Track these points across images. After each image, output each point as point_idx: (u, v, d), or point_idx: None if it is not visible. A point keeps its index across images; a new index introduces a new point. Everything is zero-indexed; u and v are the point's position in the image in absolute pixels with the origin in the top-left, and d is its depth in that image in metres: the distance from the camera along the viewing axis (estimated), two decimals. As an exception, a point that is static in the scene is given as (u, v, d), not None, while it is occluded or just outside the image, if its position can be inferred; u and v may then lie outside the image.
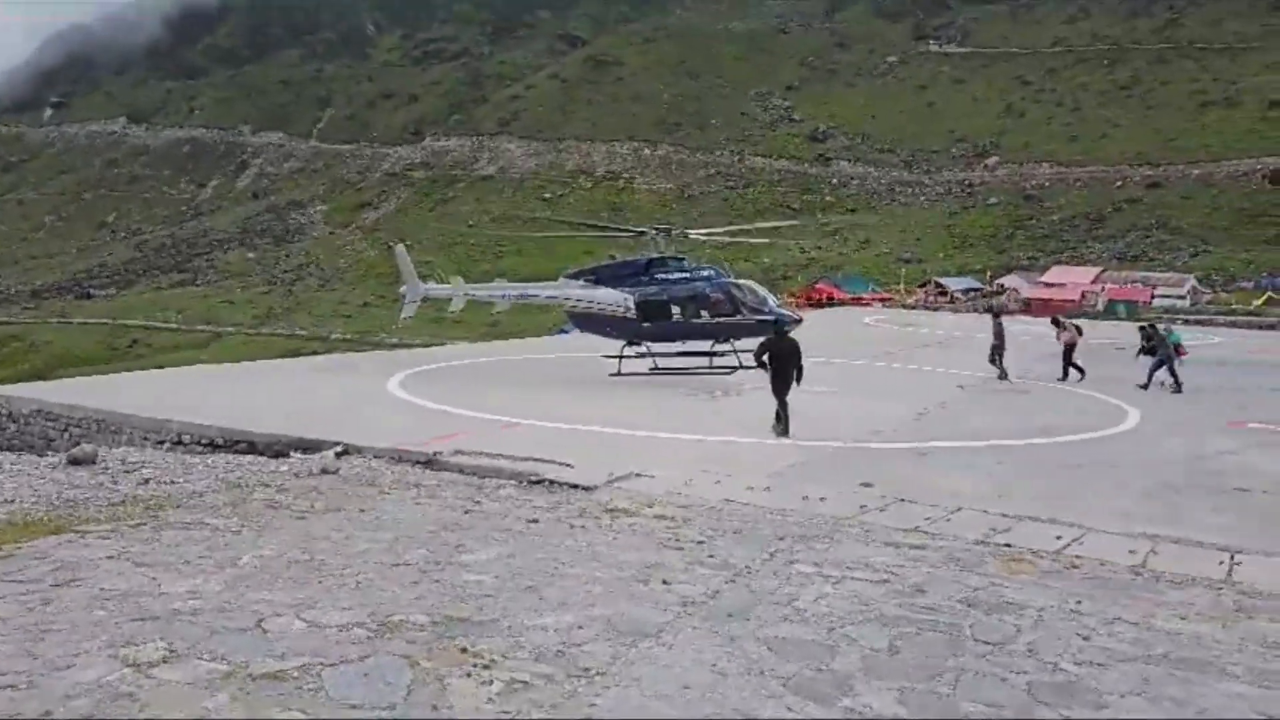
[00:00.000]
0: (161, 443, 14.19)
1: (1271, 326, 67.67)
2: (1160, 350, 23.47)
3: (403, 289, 25.10)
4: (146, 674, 5.17)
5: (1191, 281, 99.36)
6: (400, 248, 26.16)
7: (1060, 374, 24.30)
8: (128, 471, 10.79)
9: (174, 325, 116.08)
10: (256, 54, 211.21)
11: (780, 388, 15.54)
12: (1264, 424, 18.53)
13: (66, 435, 15.45)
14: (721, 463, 12.60)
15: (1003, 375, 23.99)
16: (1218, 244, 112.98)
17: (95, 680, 5.05)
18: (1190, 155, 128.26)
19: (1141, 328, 25.52)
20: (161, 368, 27.57)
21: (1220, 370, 30.05)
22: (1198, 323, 65.13)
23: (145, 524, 8.42)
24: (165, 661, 5.36)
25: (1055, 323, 26.59)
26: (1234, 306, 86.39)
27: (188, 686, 5.05)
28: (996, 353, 24.38)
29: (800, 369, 15.65)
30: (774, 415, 15.54)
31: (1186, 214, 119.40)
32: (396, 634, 6.00)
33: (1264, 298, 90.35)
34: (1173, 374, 23.02)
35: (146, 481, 10.22)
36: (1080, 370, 24.31)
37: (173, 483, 10.23)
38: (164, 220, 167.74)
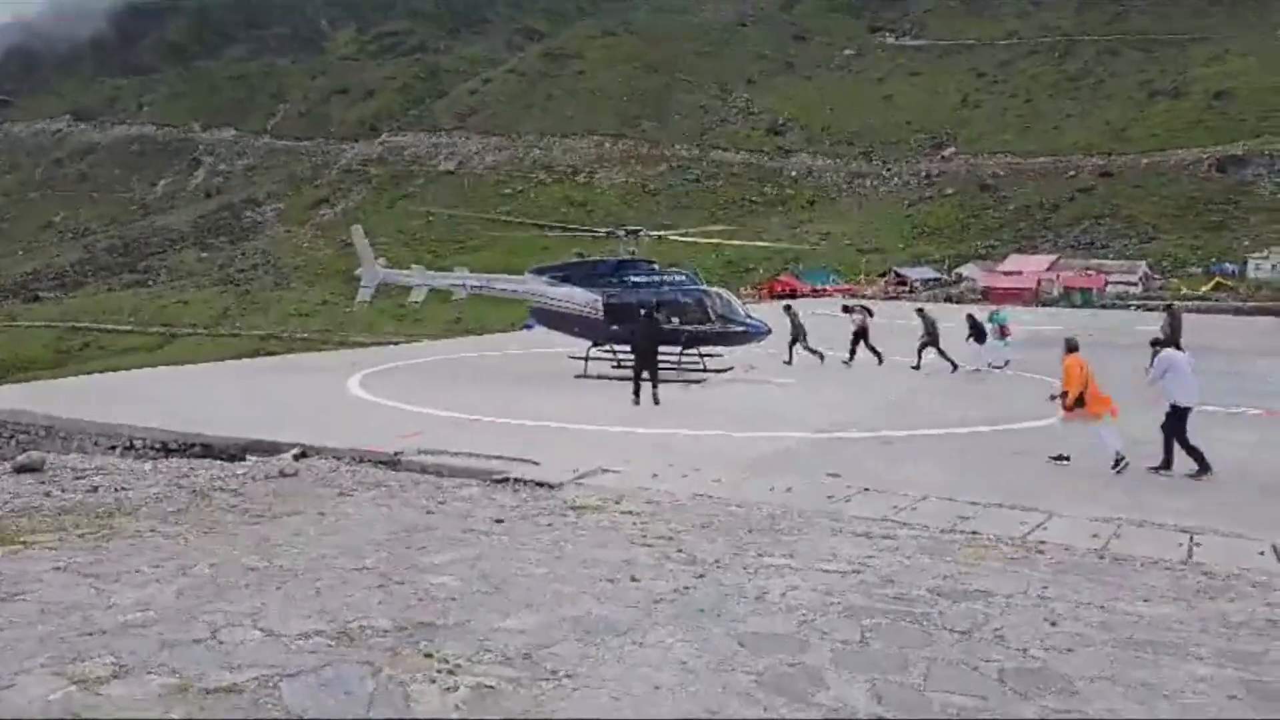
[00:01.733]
0: (113, 448, 13.85)
1: (1221, 311, 69.12)
2: (924, 337, 24.24)
3: (359, 271, 24.58)
4: (94, 691, 4.96)
5: (1143, 268, 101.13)
6: (358, 228, 25.56)
7: (848, 356, 24.72)
8: (77, 478, 10.47)
9: (127, 327, 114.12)
10: (207, 49, 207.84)
11: (641, 365, 18.03)
12: (1217, 408, 18.80)
13: (14, 442, 15.02)
14: (687, 457, 12.52)
15: (815, 353, 24.75)
16: (1167, 231, 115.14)
17: (40, 699, 4.83)
18: (1140, 145, 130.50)
19: (969, 316, 25.76)
20: (114, 371, 26.99)
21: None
22: (1151, 308, 66.26)
23: (94, 533, 8.16)
24: (115, 677, 5.15)
25: (845, 309, 27.11)
26: (1184, 291, 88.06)
27: (138, 703, 4.85)
28: (799, 341, 24.98)
29: (656, 348, 18.52)
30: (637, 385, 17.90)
31: (1137, 202, 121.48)
32: (358, 641, 5.83)
33: (1213, 283, 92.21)
34: (943, 356, 23.81)
35: (96, 489, 9.93)
36: (877, 354, 24.66)
37: (124, 489, 9.94)
38: (114, 220, 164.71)
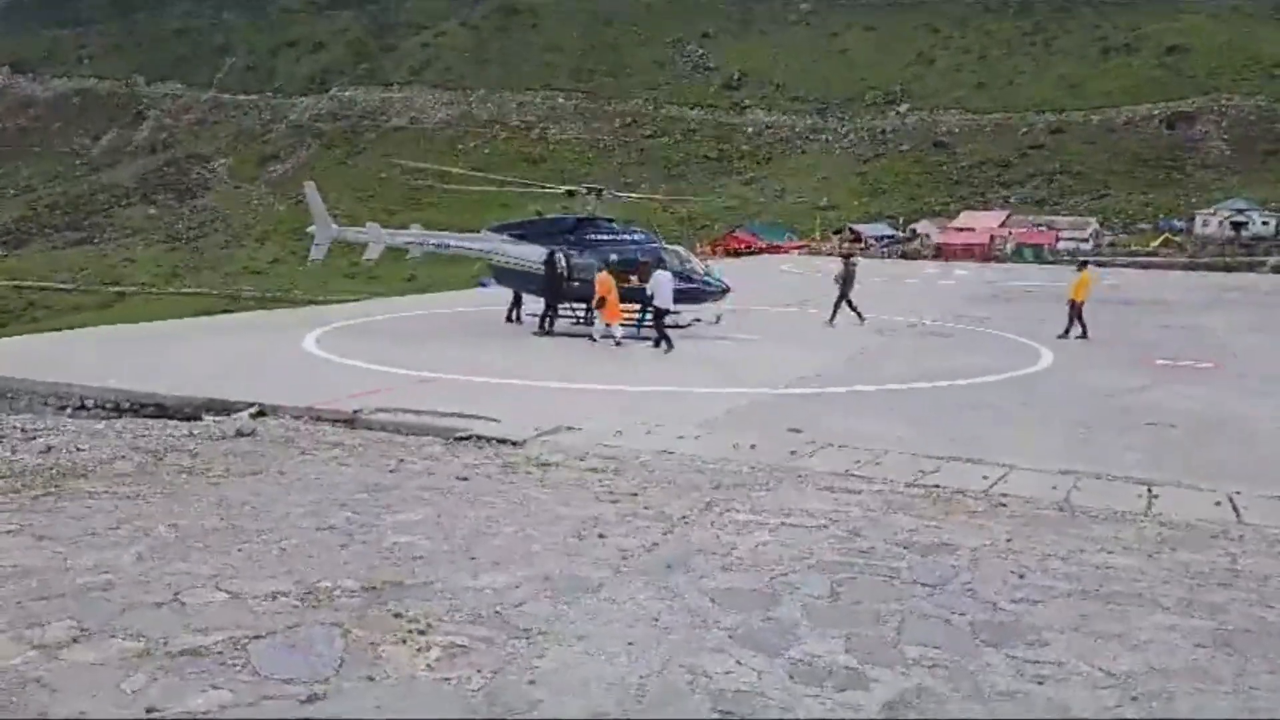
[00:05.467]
0: (64, 408, 13.48)
1: (1169, 267, 70.50)
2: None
3: (312, 229, 24.05)
4: (55, 656, 4.83)
5: (1094, 224, 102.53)
6: (311, 185, 24.93)
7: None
8: (28, 440, 10.18)
9: (72, 286, 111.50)
10: (150, 0, 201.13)
11: (551, 296, 21.08)
12: (1169, 360, 19.17)
13: (-42, 404, 14.56)
14: (649, 414, 12.47)
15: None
16: (1117, 187, 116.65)
17: (-2, 665, 4.69)
18: (1092, 101, 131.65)
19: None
20: (61, 330, 26.29)
21: (1127, 309, 31.09)
22: (1099, 263, 67.34)
23: (48, 495, 7.94)
24: (75, 641, 5.01)
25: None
26: (1134, 248, 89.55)
27: (101, 667, 4.73)
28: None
29: (559, 291, 21.10)
30: (541, 319, 21.19)
31: (1088, 159, 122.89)
32: (325, 602, 5.73)
33: (1161, 239, 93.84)
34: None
35: (48, 450, 9.66)
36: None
37: (77, 450, 9.68)
38: (56, 176, 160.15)
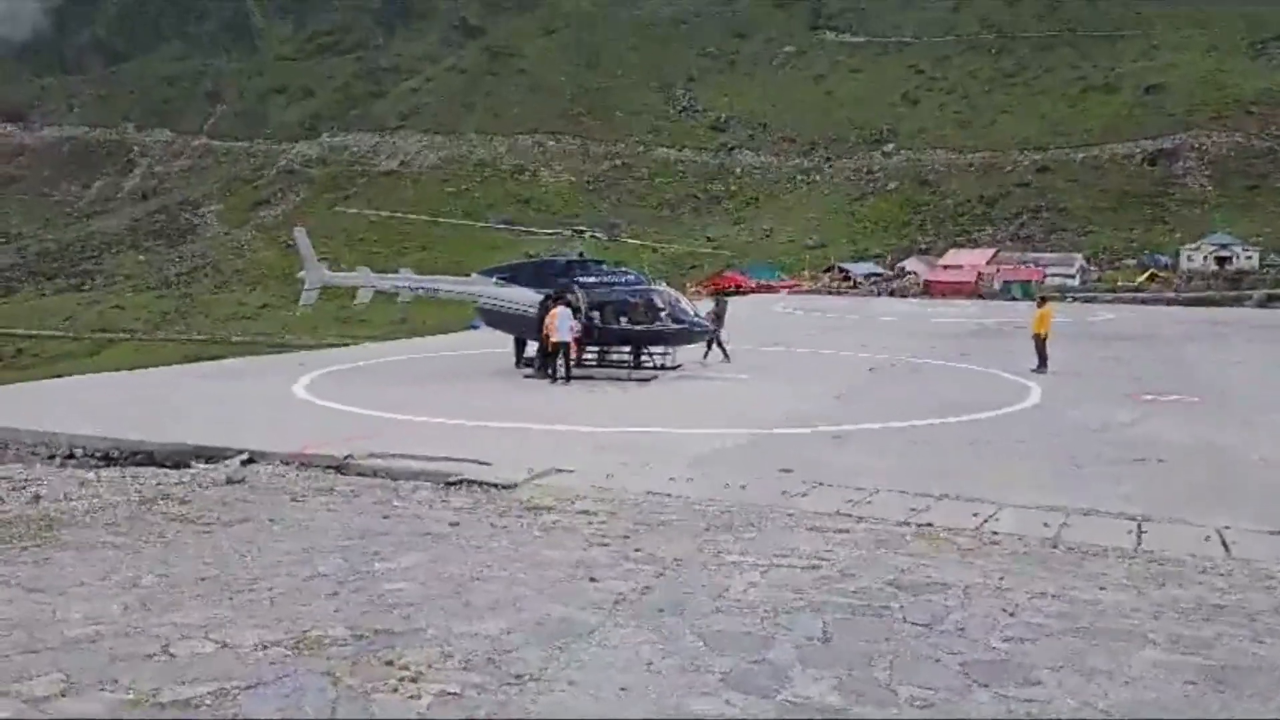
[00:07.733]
0: (52, 457, 13.42)
1: (1155, 302, 71.07)
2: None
3: (302, 274, 24.17)
4: (42, 710, 4.80)
5: (1080, 260, 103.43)
6: (300, 231, 25.11)
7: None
8: (15, 489, 10.14)
9: (61, 333, 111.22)
10: (139, 47, 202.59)
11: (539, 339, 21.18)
12: (1155, 395, 19.27)
13: (-54, 454, 14.47)
14: (640, 455, 12.48)
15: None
16: (1102, 224, 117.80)
17: (-14, 720, 4.66)
18: (1074, 139, 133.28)
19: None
20: (51, 378, 26.21)
21: (1119, 343, 31.31)
22: (1088, 300, 67.86)
23: (36, 546, 7.90)
24: (63, 695, 4.98)
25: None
26: (1120, 283, 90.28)
27: (90, 721, 4.70)
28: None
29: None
30: (531, 362, 21.44)
31: (1073, 196, 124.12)
32: (316, 650, 5.71)
33: (1147, 274, 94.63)
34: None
35: (36, 499, 9.62)
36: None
37: (66, 499, 9.65)
38: (46, 224, 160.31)
